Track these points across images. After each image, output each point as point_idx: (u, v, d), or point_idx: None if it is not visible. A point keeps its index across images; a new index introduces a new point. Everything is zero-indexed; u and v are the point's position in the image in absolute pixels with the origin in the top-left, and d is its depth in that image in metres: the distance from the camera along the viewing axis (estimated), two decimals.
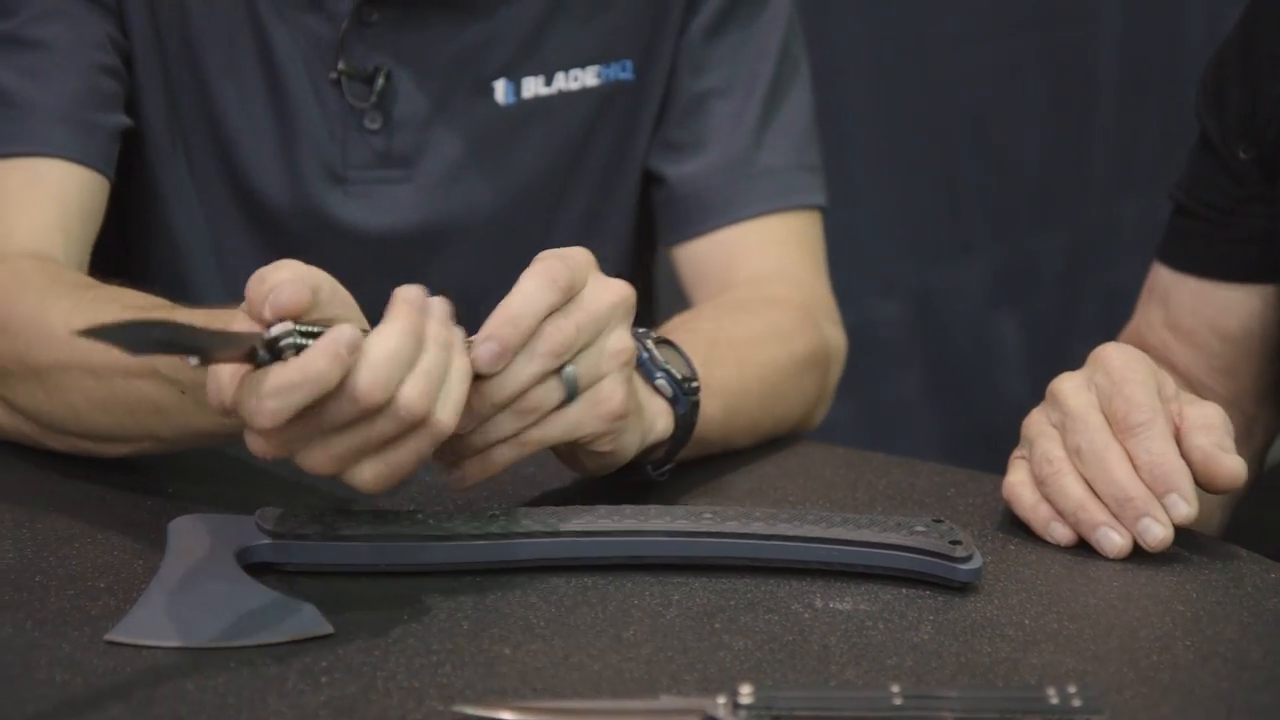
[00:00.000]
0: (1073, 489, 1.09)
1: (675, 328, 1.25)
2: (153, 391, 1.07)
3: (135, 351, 0.87)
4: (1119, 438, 1.09)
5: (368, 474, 0.97)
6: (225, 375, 0.94)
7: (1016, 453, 1.14)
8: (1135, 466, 1.08)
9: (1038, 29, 2.45)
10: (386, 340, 0.94)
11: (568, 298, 1.02)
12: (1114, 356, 1.12)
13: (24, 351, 1.14)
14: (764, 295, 1.39)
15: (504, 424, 1.03)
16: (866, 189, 2.42)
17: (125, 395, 1.09)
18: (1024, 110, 2.47)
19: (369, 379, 0.92)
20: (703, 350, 1.18)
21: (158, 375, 1.05)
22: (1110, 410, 1.09)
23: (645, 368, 1.13)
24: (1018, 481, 1.12)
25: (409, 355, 0.94)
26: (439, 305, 0.98)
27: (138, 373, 1.07)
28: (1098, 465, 1.08)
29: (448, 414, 0.96)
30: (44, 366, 1.13)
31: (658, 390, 1.13)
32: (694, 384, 1.14)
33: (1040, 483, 1.11)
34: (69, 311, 1.13)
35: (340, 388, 0.92)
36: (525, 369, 1.01)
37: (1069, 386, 1.12)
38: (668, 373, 1.13)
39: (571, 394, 1.03)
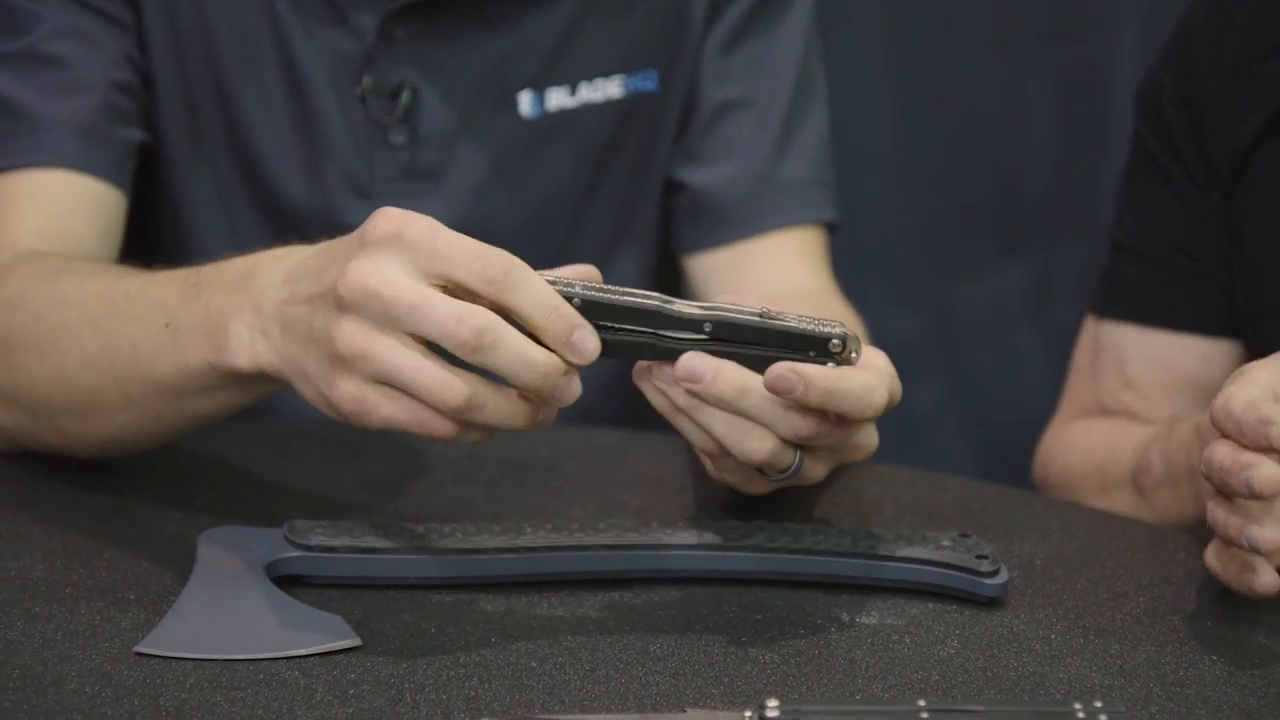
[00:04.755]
0: None
1: None
2: (137, 330, 1.08)
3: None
4: None
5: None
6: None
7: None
8: None
9: (1051, 41, 2.45)
10: None
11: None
12: None
13: (29, 322, 1.16)
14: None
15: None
16: (883, 201, 2.42)
17: (111, 342, 1.10)
18: (1037, 122, 2.47)
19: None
20: None
21: (159, 307, 1.08)
22: None
23: None
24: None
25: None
26: None
27: (136, 314, 1.09)
28: None
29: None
30: (45, 333, 1.15)
31: None
32: None
33: None
34: (87, 277, 1.15)
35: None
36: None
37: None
38: None
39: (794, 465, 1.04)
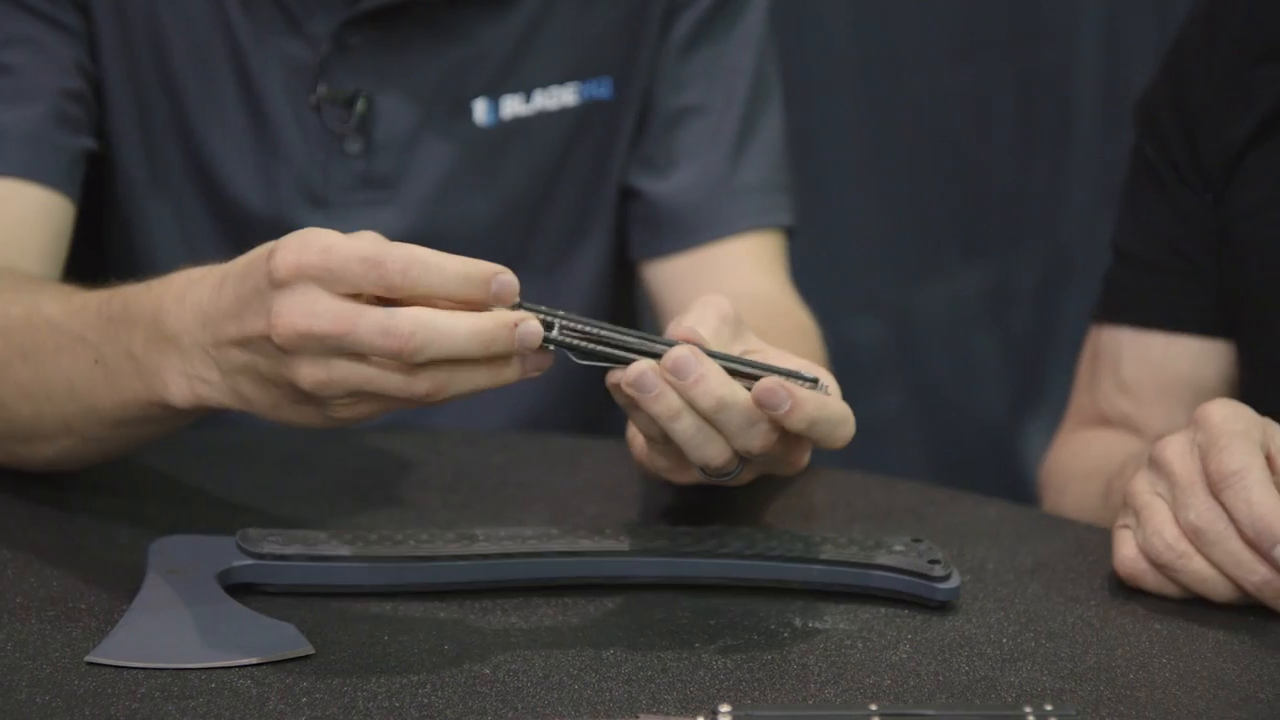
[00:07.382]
0: (1204, 571, 1.04)
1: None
2: (68, 365, 1.07)
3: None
4: (1215, 492, 1.03)
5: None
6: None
7: (1120, 521, 1.08)
8: (1234, 520, 1.03)
9: (1012, 48, 2.46)
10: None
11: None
12: (1215, 412, 1.05)
13: None
14: (798, 324, 1.38)
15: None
16: (845, 207, 2.43)
17: (44, 373, 1.09)
18: (997, 129, 2.48)
19: None
20: None
21: (82, 342, 1.06)
22: (1206, 465, 1.04)
23: None
24: (1132, 558, 1.06)
25: None
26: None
27: (64, 346, 1.08)
28: (1222, 551, 1.03)
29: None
30: None
31: None
32: None
33: (1164, 567, 1.05)
34: (9, 302, 1.13)
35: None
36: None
37: (1173, 453, 1.06)
38: None
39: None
